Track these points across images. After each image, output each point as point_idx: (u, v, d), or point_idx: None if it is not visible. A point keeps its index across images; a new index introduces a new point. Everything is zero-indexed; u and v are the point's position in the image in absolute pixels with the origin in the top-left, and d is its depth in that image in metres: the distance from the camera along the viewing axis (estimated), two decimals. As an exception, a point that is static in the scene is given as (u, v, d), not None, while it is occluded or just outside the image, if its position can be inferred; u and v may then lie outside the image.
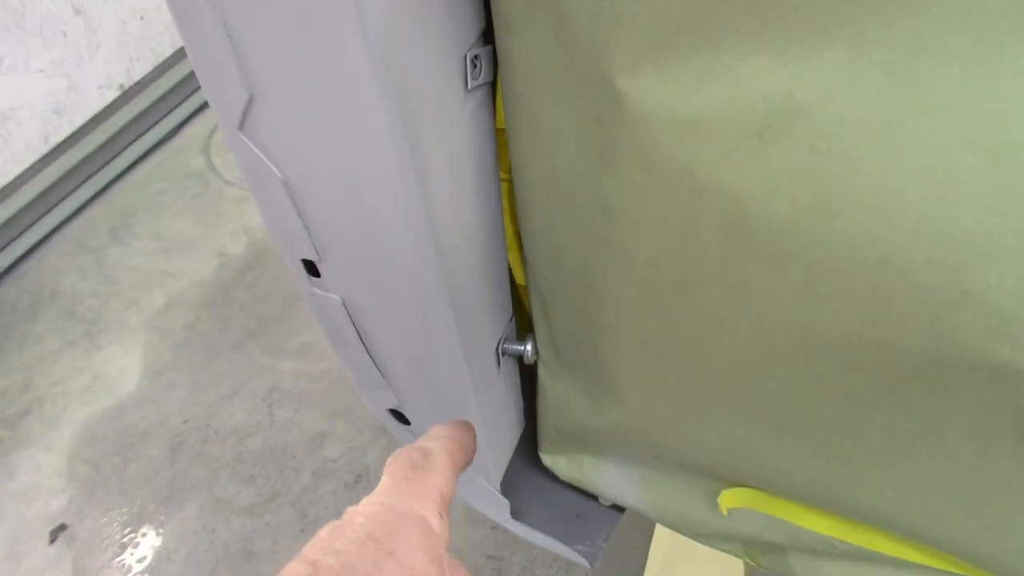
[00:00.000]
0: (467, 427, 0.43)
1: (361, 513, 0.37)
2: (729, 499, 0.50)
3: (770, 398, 0.41)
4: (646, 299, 0.41)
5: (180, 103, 2.10)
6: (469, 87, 0.41)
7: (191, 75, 2.10)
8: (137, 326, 1.79)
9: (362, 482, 1.48)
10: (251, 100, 0.39)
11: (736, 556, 0.56)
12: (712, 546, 0.56)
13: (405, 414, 0.53)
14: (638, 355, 0.44)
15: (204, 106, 2.15)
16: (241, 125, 0.40)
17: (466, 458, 0.42)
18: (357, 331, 0.48)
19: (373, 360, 0.50)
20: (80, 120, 1.93)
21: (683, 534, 0.55)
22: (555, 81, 0.38)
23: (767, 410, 0.42)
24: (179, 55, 2.08)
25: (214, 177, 2.03)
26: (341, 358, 0.52)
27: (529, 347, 0.51)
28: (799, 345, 0.38)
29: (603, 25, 0.34)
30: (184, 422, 1.62)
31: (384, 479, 0.39)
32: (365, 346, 0.49)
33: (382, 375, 0.50)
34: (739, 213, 0.35)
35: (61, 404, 1.68)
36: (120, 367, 1.73)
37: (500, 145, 0.47)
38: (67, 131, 1.92)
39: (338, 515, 1.32)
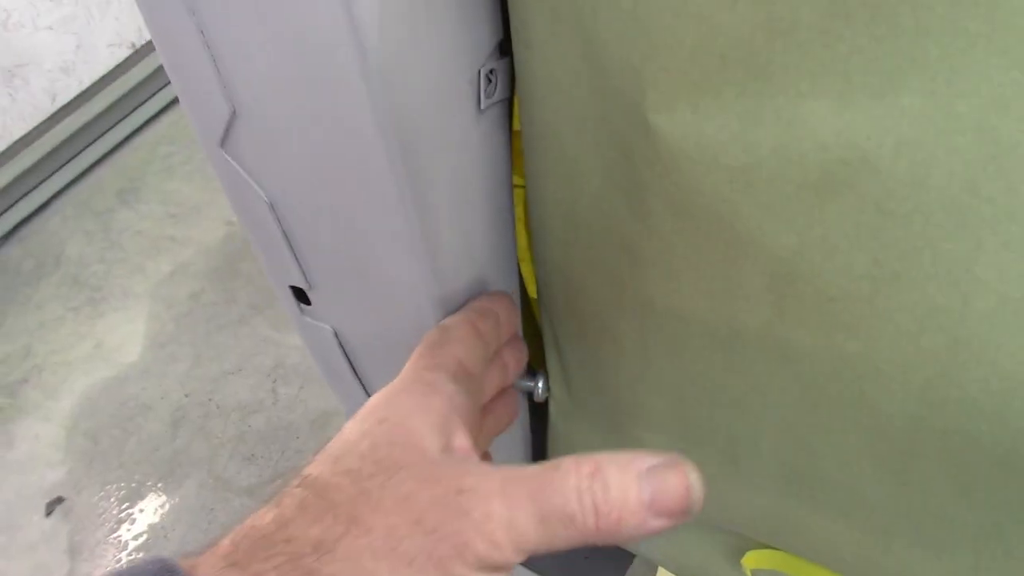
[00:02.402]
0: (498, 296, 0.40)
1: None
2: (755, 560, 0.46)
3: (815, 472, 0.36)
4: (674, 354, 0.36)
5: (192, 64, 2.04)
6: (483, 107, 0.36)
7: (204, 35, 2.04)
8: (141, 294, 1.75)
9: (365, 466, 1.44)
10: (234, 115, 0.34)
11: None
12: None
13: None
14: (663, 408, 0.39)
15: (217, 68, 2.10)
16: (223, 142, 0.36)
17: (496, 325, 0.38)
18: (350, 363, 0.44)
19: (367, 393, 0.45)
20: (89, 80, 1.88)
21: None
22: (579, 109, 0.33)
23: (810, 484, 0.37)
24: (192, 15, 2.03)
25: (225, 142, 1.99)
26: (333, 389, 0.47)
27: (541, 383, 0.46)
28: (852, 422, 0.33)
29: (638, 53, 0.29)
30: (186, 396, 1.58)
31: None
32: (360, 380, 0.44)
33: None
34: (787, 273, 0.30)
35: (61, 373, 1.64)
36: (122, 336, 1.69)
37: (515, 150, 0.42)
38: (75, 90, 1.87)
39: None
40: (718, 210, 0.30)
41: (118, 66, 1.93)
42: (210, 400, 1.57)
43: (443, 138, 0.35)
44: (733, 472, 0.39)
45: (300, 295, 0.42)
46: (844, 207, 0.28)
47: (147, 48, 1.96)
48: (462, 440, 0.33)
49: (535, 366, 0.47)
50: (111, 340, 1.69)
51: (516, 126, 0.41)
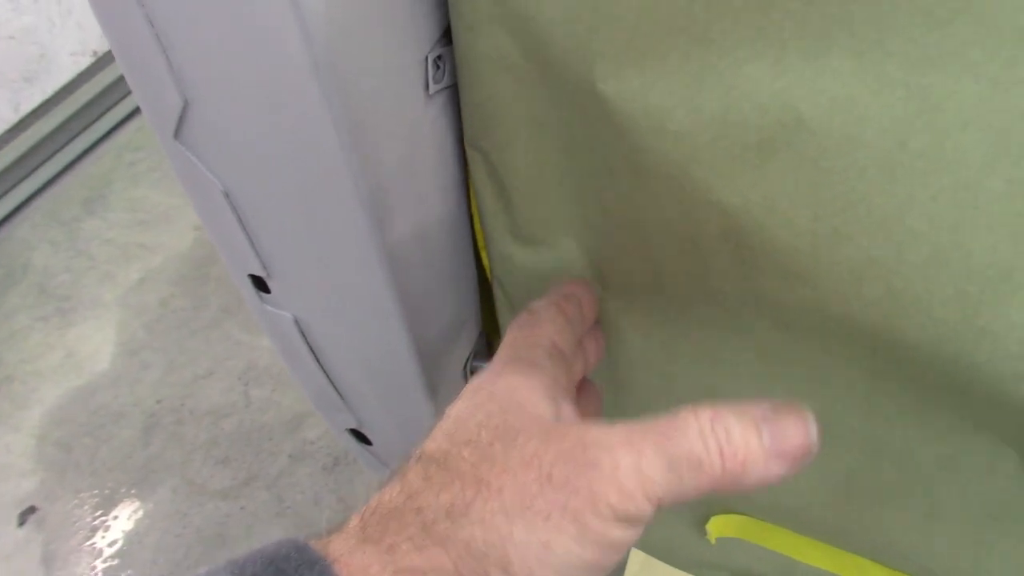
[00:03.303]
0: (580, 282, 0.39)
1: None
2: (719, 527, 0.47)
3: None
4: (647, 307, 0.38)
5: (156, 71, 2.04)
6: (431, 92, 0.37)
7: (168, 42, 2.04)
8: (111, 302, 1.74)
9: (340, 465, 1.45)
10: (186, 106, 0.35)
11: (721, 584, 0.52)
12: (695, 574, 0.52)
13: (366, 435, 0.49)
14: (641, 373, 0.40)
15: (181, 74, 2.10)
16: (176, 133, 0.36)
17: (580, 310, 0.38)
18: (311, 350, 0.45)
19: (330, 380, 0.46)
20: (52, 89, 1.88)
21: (666, 562, 0.52)
22: (529, 85, 0.34)
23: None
24: (155, 21, 2.02)
25: (191, 148, 1.98)
26: (296, 377, 0.48)
27: (499, 366, 0.47)
28: (817, 367, 0.35)
29: (583, 26, 0.30)
30: (158, 402, 1.58)
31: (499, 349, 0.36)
32: (321, 365, 0.45)
33: (340, 396, 0.47)
34: (737, 229, 0.32)
35: (31, 383, 1.63)
36: (93, 345, 1.68)
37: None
38: (39, 100, 1.86)
39: (316, 500, 1.28)
40: (669, 171, 0.31)
41: (81, 74, 1.92)
42: (182, 405, 1.57)
43: (393, 123, 0.36)
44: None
45: (260, 284, 0.42)
46: (783, 166, 0.29)
47: (110, 56, 1.95)
48: (569, 409, 0.33)
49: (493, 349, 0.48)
50: (81, 349, 1.68)
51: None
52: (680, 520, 0.49)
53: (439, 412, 0.45)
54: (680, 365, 0.40)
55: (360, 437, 0.50)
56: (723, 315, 0.37)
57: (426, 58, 0.36)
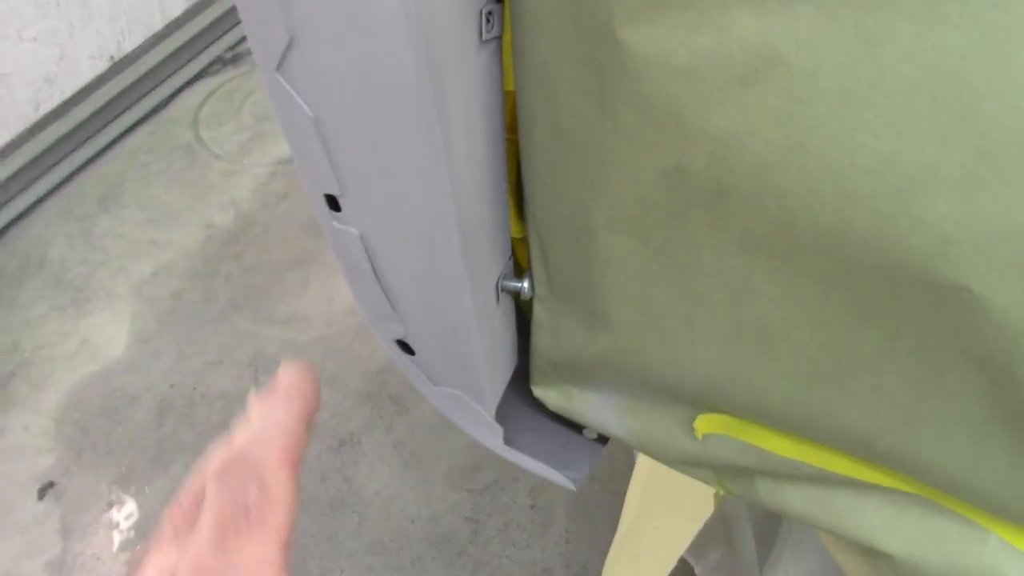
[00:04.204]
0: (301, 388, 0.39)
1: None
2: (705, 424, 0.56)
3: (749, 317, 0.46)
4: (636, 231, 0.46)
5: (169, 76, 2.13)
6: (483, 39, 0.46)
7: (180, 48, 2.13)
8: (124, 294, 1.82)
9: (346, 446, 1.52)
10: (291, 43, 0.44)
11: (708, 483, 0.61)
12: (685, 472, 0.61)
13: (411, 344, 0.58)
14: (628, 282, 0.49)
15: (193, 80, 2.18)
16: (279, 66, 0.45)
17: (303, 440, 0.37)
18: (372, 264, 0.53)
19: (385, 292, 0.55)
20: (71, 90, 1.96)
21: (660, 460, 0.61)
22: (561, 34, 0.43)
23: (746, 329, 0.47)
24: (169, 28, 2.11)
25: (202, 150, 2.07)
26: (354, 290, 0.56)
27: (526, 284, 0.56)
28: (776, 267, 0.43)
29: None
30: (171, 387, 1.66)
31: (199, 532, 0.33)
32: (378, 278, 0.54)
33: (392, 307, 0.55)
34: (721, 152, 0.40)
35: (48, 368, 1.71)
36: (107, 334, 1.76)
37: (507, 109, 0.52)
38: (57, 100, 1.94)
39: (322, 479, 1.36)
40: (669, 104, 0.40)
41: (98, 77, 2.01)
42: (194, 390, 1.64)
43: (456, 63, 0.45)
44: (686, 331, 0.49)
45: (332, 203, 0.51)
46: (762, 94, 0.38)
47: (126, 61, 2.04)
48: None
49: (523, 268, 0.57)
50: (96, 337, 1.75)
51: (509, 86, 0.50)
52: (671, 421, 0.58)
53: (478, 326, 0.54)
54: (659, 289, 0.49)
55: (405, 348, 0.59)
56: (696, 245, 0.45)
57: (480, 11, 0.45)
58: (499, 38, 0.48)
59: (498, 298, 0.57)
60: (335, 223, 0.52)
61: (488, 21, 0.46)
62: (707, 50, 0.38)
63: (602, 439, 0.66)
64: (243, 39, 2.28)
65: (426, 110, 0.44)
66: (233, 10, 2.25)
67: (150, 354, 1.72)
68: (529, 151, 0.49)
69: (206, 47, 2.21)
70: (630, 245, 0.47)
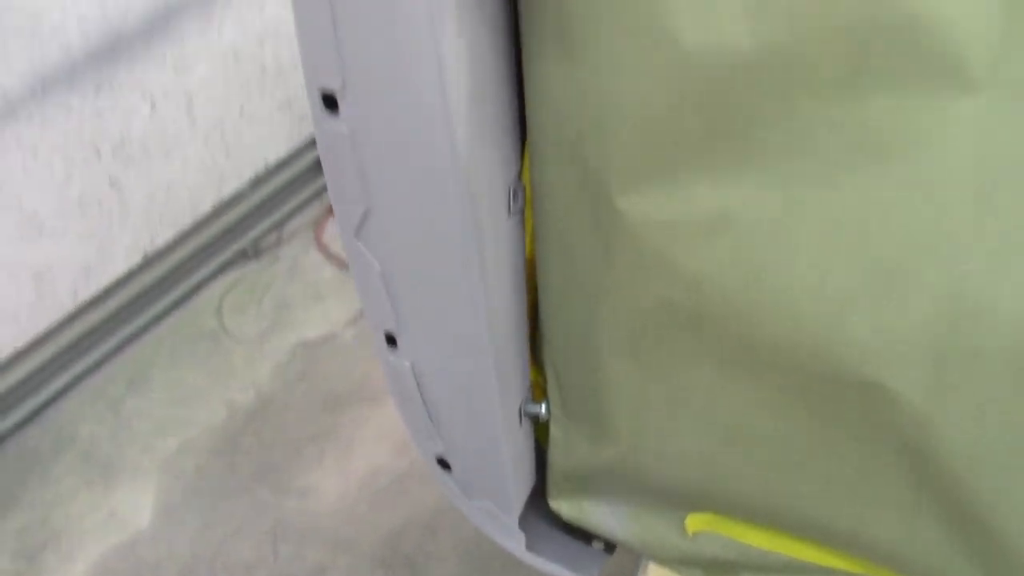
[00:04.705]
0: None
1: None
2: (694, 522, 0.67)
3: (724, 419, 0.59)
4: (632, 353, 0.60)
5: (196, 269, 2.30)
6: (511, 211, 0.61)
7: (207, 244, 2.31)
8: (151, 468, 1.92)
9: (362, 609, 1.59)
10: (366, 214, 0.58)
11: (699, 583, 0.71)
12: (680, 572, 0.72)
13: (449, 461, 0.70)
14: (627, 397, 0.62)
15: (218, 272, 2.35)
16: (356, 233, 0.59)
17: None
18: (420, 390, 0.66)
19: (429, 414, 0.67)
20: (106, 281, 2.12)
21: (656, 561, 0.71)
22: (571, 203, 0.57)
23: (722, 430, 0.59)
24: (198, 225, 2.30)
25: (225, 337, 2.21)
26: (403, 414, 0.69)
27: (543, 407, 0.68)
28: (742, 377, 0.56)
29: (606, 163, 0.54)
30: (193, 555, 1.73)
31: None
32: (425, 403, 0.66)
33: (435, 427, 0.68)
34: (696, 287, 0.54)
35: (77, 539, 1.79)
36: (134, 506, 1.85)
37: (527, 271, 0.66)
38: (94, 291, 2.10)
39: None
40: (654, 252, 0.54)
41: (131, 270, 2.18)
42: (215, 558, 1.72)
43: (492, 227, 0.59)
44: (675, 436, 0.61)
45: (390, 340, 0.64)
46: (722, 244, 0.52)
47: (157, 255, 2.22)
48: None
49: (539, 396, 0.69)
50: (123, 510, 1.84)
51: (529, 253, 0.65)
52: (667, 522, 0.69)
53: (505, 445, 0.66)
54: (652, 402, 0.62)
55: (444, 465, 0.70)
56: (680, 362, 0.59)
57: (509, 188, 0.60)
58: (522, 212, 0.63)
59: (520, 420, 0.69)
60: (391, 357, 0.65)
61: (515, 198, 0.61)
62: (680, 212, 0.53)
63: (609, 548, 0.76)
64: (264, 235, 2.47)
65: (470, 265, 0.58)
66: (256, 209, 2.45)
67: (174, 524, 1.80)
68: (546, 295, 0.63)
69: (231, 243, 2.39)
70: (628, 365, 0.60)
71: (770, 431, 0.58)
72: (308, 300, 2.33)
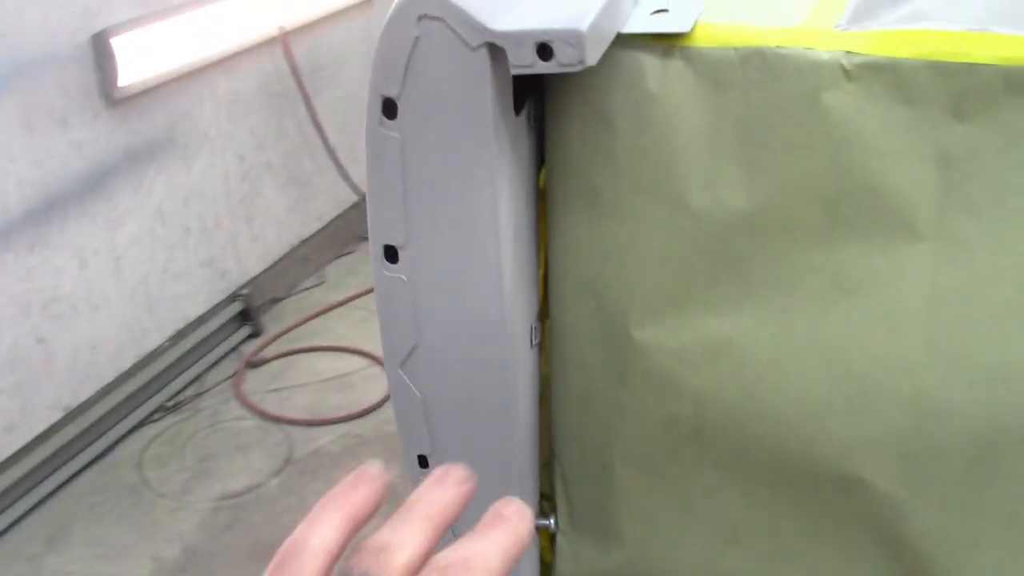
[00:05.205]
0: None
1: None
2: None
3: (724, 520, 0.68)
4: (643, 464, 0.69)
5: (116, 423, 2.29)
6: (532, 345, 0.71)
7: (127, 398, 2.32)
8: (74, 629, 1.87)
9: None
10: (413, 348, 0.67)
11: None
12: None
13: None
14: (637, 505, 0.71)
15: (138, 426, 2.35)
16: (401, 364, 0.68)
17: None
18: (447, 507, 0.74)
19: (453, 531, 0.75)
20: (28, 437, 2.10)
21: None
22: (591, 336, 0.68)
23: (722, 530, 0.69)
24: (119, 380, 2.31)
25: (148, 490, 2.20)
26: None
27: (552, 520, 0.77)
28: (739, 480, 0.66)
29: (626, 300, 0.65)
30: None
31: None
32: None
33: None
34: (701, 404, 0.65)
35: None
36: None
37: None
38: (15, 447, 2.08)
39: None
40: (665, 375, 0.65)
41: (52, 425, 2.16)
42: None
43: (522, 359, 0.69)
44: (677, 534, 0.71)
45: (423, 462, 0.72)
46: (724, 364, 0.63)
47: (78, 410, 2.21)
48: None
49: (548, 511, 0.78)
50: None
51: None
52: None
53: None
54: (660, 507, 0.71)
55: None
56: (686, 470, 0.69)
57: (531, 326, 0.70)
58: (539, 347, 0.73)
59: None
60: (421, 479, 0.73)
61: (535, 334, 0.71)
62: (689, 340, 0.64)
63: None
64: (184, 389, 2.49)
65: (506, 394, 0.67)
66: (175, 363, 2.48)
67: None
68: (561, 417, 0.73)
69: (150, 396, 2.41)
70: (638, 475, 0.70)
71: (764, 528, 0.68)
72: (230, 451, 2.34)
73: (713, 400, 0.65)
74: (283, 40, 2.67)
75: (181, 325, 2.53)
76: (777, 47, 0.57)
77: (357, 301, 2.99)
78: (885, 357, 0.60)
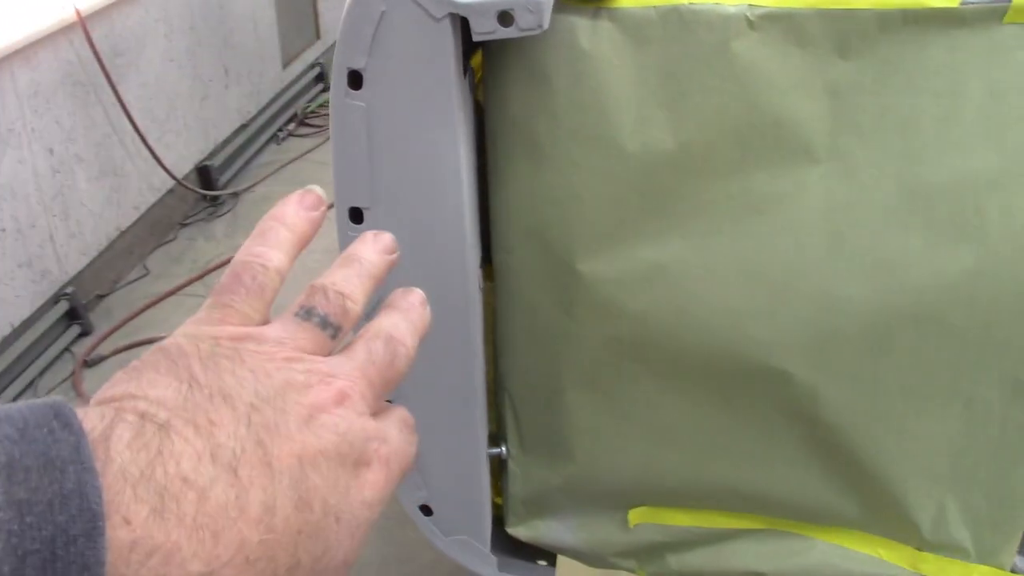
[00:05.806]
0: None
1: None
2: (635, 516, 0.85)
3: (661, 423, 0.78)
4: (589, 385, 0.78)
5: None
6: (480, 287, 0.78)
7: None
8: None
9: None
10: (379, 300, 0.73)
11: (632, 571, 0.89)
12: (617, 566, 0.89)
13: (432, 507, 0.83)
14: (585, 422, 0.80)
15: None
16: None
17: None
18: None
19: (417, 467, 0.81)
20: None
21: (599, 562, 0.89)
22: (536, 270, 0.76)
23: (659, 432, 0.79)
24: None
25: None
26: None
27: (504, 448, 0.85)
28: (675, 384, 0.76)
29: (568, 239, 0.73)
30: None
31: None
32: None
33: (422, 478, 0.82)
34: (640, 322, 0.74)
35: None
36: None
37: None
38: None
39: None
40: (606, 301, 0.74)
41: None
42: None
43: (477, 299, 0.75)
44: (622, 442, 0.80)
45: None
46: (659, 286, 0.73)
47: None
48: None
49: (500, 438, 0.86)
50: None
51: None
52: (611, 523, 0.86)
53: (479, 488, 0.81)
54: (604, 420, 0.80)
55: (426, 511, 0.84)
56: (628, 383, 0.78)
57: (480, 267, 0.77)
58: (482, 289, 0.80)
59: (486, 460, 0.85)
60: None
61: (481, 273, 0.78)
62: (627, 268, 0.73)
63: (551, 562, 0.92)
64: (17, 396, 2.38)
65: (468, 330, 0.74)
66: (6, 371, 2.37)
67: None
68: (508, 352, 0.81)
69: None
70: (585, 394, 0.79)
71: (697, 426, 0.78)
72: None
73: (651, 319, 0.74)
74: (82, 25, 2.57)
75: (7, 331, 2.42)
76: (691, 4, 0.66)
77: (187, 288, 2.94)
78: (793, 263, 0.71)
